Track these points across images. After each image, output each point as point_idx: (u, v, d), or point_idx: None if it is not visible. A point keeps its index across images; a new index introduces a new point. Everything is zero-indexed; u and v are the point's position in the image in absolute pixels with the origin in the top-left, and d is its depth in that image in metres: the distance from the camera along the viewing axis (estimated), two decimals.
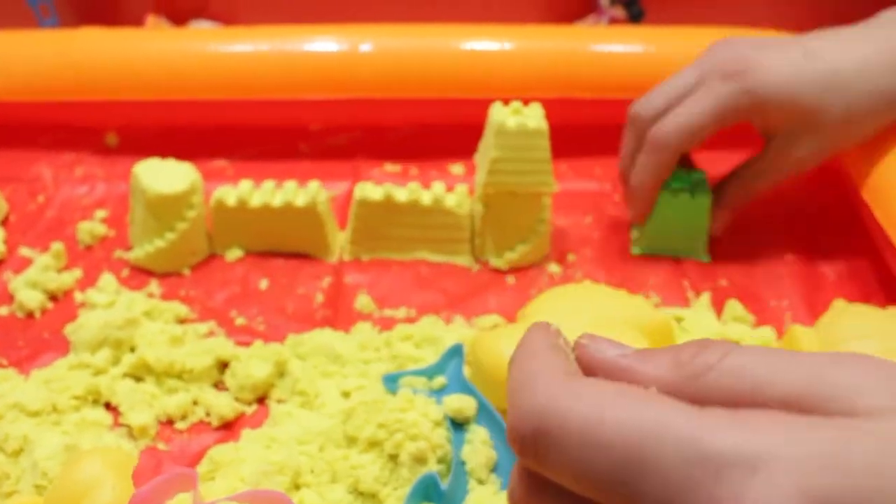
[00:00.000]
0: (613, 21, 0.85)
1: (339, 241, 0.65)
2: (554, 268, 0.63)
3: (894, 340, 0.52)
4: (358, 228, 0.63)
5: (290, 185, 0.62)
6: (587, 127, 0.74)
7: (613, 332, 0.51)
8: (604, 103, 0.72)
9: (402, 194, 0.62)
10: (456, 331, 0.56)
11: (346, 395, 0.52)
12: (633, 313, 0.53)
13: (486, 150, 0.60)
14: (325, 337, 0.55)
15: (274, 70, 0.72)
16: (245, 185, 0.63)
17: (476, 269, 0.63)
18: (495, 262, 0.63)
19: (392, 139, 0.75)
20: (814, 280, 0.63)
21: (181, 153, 0.65)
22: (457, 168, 0.73)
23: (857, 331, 0.54)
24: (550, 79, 0.72)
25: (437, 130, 0.74)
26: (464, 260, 0.64)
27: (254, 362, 0.53)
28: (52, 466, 0.48)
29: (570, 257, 0.64)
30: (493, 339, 0.51)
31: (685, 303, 0.61)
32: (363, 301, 0.60)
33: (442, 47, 0.74)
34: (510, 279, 0.62)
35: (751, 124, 0.61)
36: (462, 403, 0.49)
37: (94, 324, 0.55)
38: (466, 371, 0.52)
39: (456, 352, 0.52)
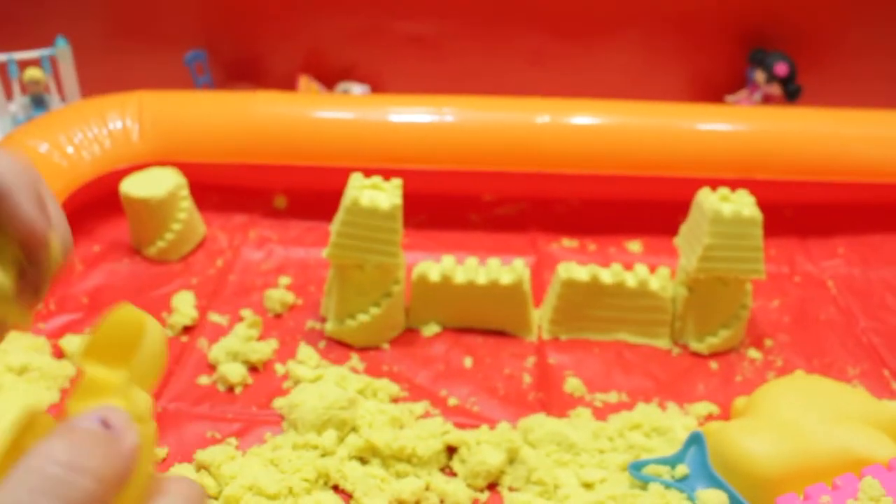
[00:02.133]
0: (767, 98, 0.86)
1: (536, 318, 0.64)
2: (753, 353, 0.63)
3: None
4: (560, 308, 0.62)
5: (494, 262, 0.62)
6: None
7: (856, 428, 0.51)
8: (773, 185, 0.73)
9: (607, 276, 0.61)
10: (676, 419, 0.56)
11: (587, 486, 0.51)
12: (865, 408, 0.53)
13: (696, 236, 0.60)
14: (553, 424, 0.54)
15: (452, 140, 0.72)
16: (448, 260, 0.62)
17: (676, 353, 0.63)
18: (696, 346, 0.63)
19: (561, 212, 0.75)
20: None
21: None
22: (634, 245, 0.73)
23: None
24: (731, 160, 0.72)
25: (607, 205, 0.74)
26: (663, 343, 0.63)
27: (485, 448, 0.53)
28: None
29: (767, 343, 0.64)
30: (741, 436, 0.50)
31: (892, 394, 0.60)
32: (573, 384, 0.59)
33: (615, 123, 0.74)
34: (713, 364, 0.62)
35: None
36: (717, 499, 0.48)
37: (317, 404, 0.54)
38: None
39: (694, 440, 0.52)
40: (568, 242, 0.73)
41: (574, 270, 0.61)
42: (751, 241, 0.59)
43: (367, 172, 0.70)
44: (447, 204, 0.75)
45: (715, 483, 0.50)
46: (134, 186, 0.69)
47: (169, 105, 0.76)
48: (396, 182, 0.60)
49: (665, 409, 0.58)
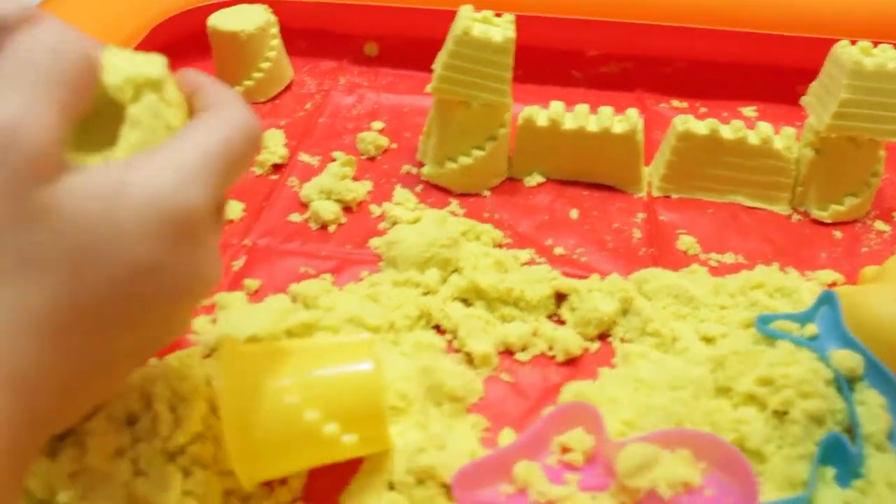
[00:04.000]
0: None
1: (645, 175, 0.60)
2: (881, 225, 0.58)
3: None
4: (674, 163, 0.58)
5: (607, 110, 0.58)
6: None
7: None
8: None
9: (727, 131, 0.57)
10: (800, 283, 0.52)
11: (707, 340, 0.48)
12: None
13: (830, 91, 0.55)
14: (670, 277, 0.51)
15: None
16: (556, 106, 0.58)
17: (796, 219, 0.58)
18: (818, 213, 0.58)
19: (669, 72, 0.70)
20: None
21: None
22: (748, 111, 0.68)
23: None
24: (868, 20, 0.66)
25: (719, 67, 0.69)
26: (781, 208, 0.59)
27: (597, 296, 0.49)
28: (409, 388, 0.44)
29: None
30: (873, 298, 0.46)
31: None
32: (686, 242, 0.55)
33: None
34: (836, 233, 0.58)
35: None
36: (852, 361, 0.44)
37: (418, 241, 0.51)
38: None
39: (826, 300, 0.48)
40: (677, 103, 0.68)
41: (692, 123, 0.57)
42: (892, 98, 0.54)
43: None
44: (548, 58, 0.70)
45: (848, 344, 0.46)
46: (223, 20, 0.65)
47: None
48: (509, 17, 0.56)
49: (786, 273, 0.54)
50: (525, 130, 0.58)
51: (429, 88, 0.56)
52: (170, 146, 0.28)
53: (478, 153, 0.57)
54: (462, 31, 0.54)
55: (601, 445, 0.41)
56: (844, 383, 0.44)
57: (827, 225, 0.58)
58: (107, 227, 0.26)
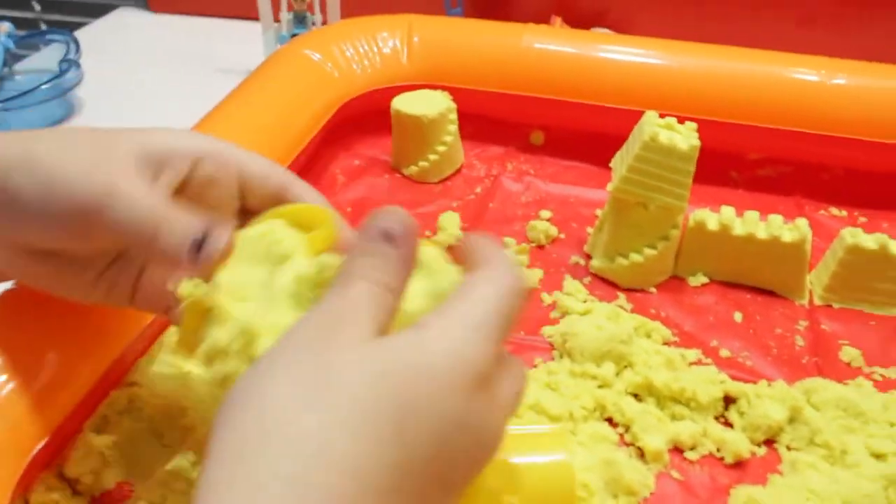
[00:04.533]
0: None
1: (808, 284, 0.62)
2: None
3: None
4: (840, 275, 0.60)
5: (776, 218, 0.60)
6: None
7: None
8: None
9: (894, 247, 0.58)
10: None
11: (878, 456, 0.49)
12: None
13: None
14: (838, 389, 0.53)
15: (723, 91, 0.70)
16: (727, 211, 0.61)
17: None
18: None
19: (826, 179, 0.72)
20: None
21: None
22: None
23: None
24: None
25: (876, 176, 0.71)
26: None
27: (767, 403, 0.51)
28: (591, 479, 0.47)
29: None
30: None
31: None
32: (850, 354, 0.57)
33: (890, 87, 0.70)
34: None
35: None
36: None
37: (596, 334, 0.54)
38: None
39: None
40: (836, 211, 0.70)
41: (861, 237, 0.59)
42: None
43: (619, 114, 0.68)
44: (709, 159, 0.72)
45: None
46: (406, 104, 0.70)
47: (438, 29, 0.77)
48: (691, 125, 0.59)
49: None
50: (695, 233, 0.61)
51: (610, 188, 0.59)
52: (457, 302, 0.30)
53: (649, 252, 0.60)
54: (650, 137, 0.57)
55: None
56: None
57: None
58: (423, 382, 0.27)
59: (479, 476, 0.40)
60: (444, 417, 0.27)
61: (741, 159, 0.73)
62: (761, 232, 0.60)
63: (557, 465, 0.42)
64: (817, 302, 0.61)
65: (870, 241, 0.59)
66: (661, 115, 0.59)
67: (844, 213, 0.70)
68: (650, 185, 0.58)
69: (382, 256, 0.30)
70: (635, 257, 0.60)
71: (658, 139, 0.57)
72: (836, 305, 0.61)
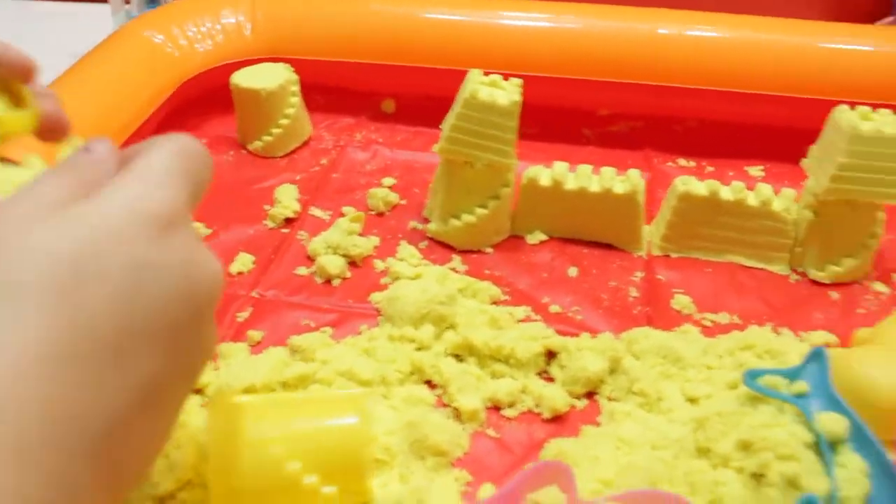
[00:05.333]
0: None
1: (646, 235, 0.61)
2: (880, 287, 0.59)
3: None
4: (674, 223, 0.59)
5: (608, 171, 0.59)
6: None
7: None
8: None
9: (727, 192, 0.58)
10: (791, 345, 0.52)
11: (692, 401, 0.49)
12: None
13: (829, 154, 0.56)
14: (660, 337, 0.52)
15: (569, 48, 0.69)
16: (559, 166, 0.60)
17: (794, 280, 0.59)
18: (816, 274, 0.59)
19: (678, 131, 0.72)
20: None
21: None
22: (755, 171, 0.69)
23: None
24: (871, 84, 0.67)
25: (728, 127, 0.70)
26: (780, 268, 0.60)
27: (587, 355, 0.50)
28: (394, 442, 0.46)
29: (895, 277, 0.60)
30: (860, 361, 0.47)
31: None
32: (681, 301, 0.56)
33: (744, 39, 0.69)
34: (833, 294, 0.58)
35: None
36: (837, 425, 0.45)
37: (417, 297, 0.53)
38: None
39: (815, 357, 0.48)
40: (684, 162, 0.70)
41: (692, 184, 0.58)
42: (891, 162, 0.55)
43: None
44: (560, 117, 0.72)
45: (835, 405, 0.46)
46: (245, 78, 0.68)
47: (282, 1, 0.75)
48: (516, 81, 0.58)
49: (779, 334, 0.54)
50: (528, 190, 0.60)
51: (435, 148, 0.58)
52: (131, 164, 0.30)
53: (481, 211, 0.59)
54: (470, 94, 0.56)
55: None
56: (826, 446, 0.45)
57: (824, 286, 0.59)
58: (102, 238, 0.27)
59: (260, 444, 0.39)
60: (124, 266, 0.27)
61: (592, 116, 0.72)
62: (594, 185, 0.59)
63: (347, 429, 0.41)
64: (655, 252, 0.61)
65: (701, 187, 0.58)
66: (486, 73, 0.58)
67: (693, 163, 0.70)
68: (473, 144, 0.57)
69: (77, 160, 0.31)
70: (468, 218, 0.59)
71: (478, 96, 0.56)
72: (673, 255, 0.60)
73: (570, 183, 0.59)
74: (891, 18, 0.81)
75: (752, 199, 0.58)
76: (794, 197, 0.59)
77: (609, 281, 0.58)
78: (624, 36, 0.69)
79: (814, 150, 0.58)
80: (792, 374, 0.48)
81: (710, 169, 0.69)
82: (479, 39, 0.71)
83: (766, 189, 0.58)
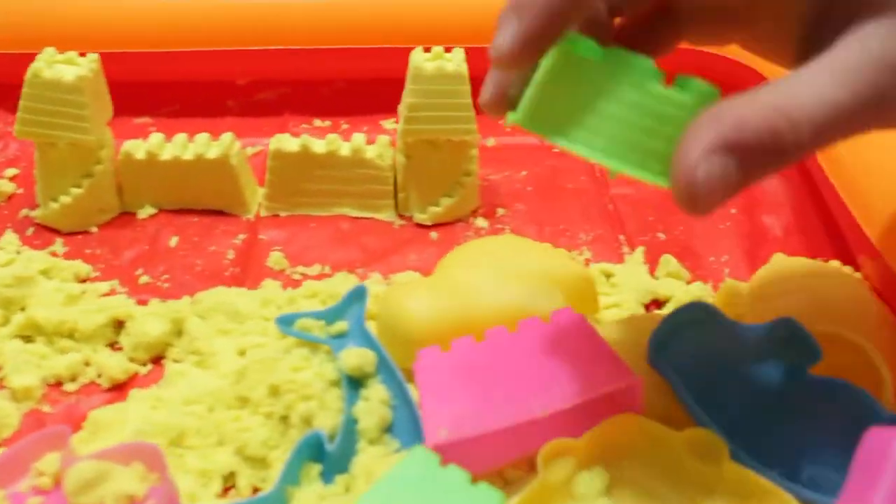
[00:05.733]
0: None
1: (258, 198, 0.61)
2: (481, 222, 0.60)
3: (824, 296, 0.49)
4: (274, 182, 0.59)
5: (203, 137, 0.59)
6: None
7: (527, 284, 0.48)
8: None
9: (319, 146, 0.58)
10: (369, 287, 0.53)
11: (242, 353, 0.49)
12: (549, 266, 0.50)
13: (404, 97, 0.57)
14: (226, 294, 0.52)
15: (195, 20, 0.69)
16: (155, 137, 0.60)
17: (398, 224, 0.60)
18: (419, 216, 0.60)
19: (324, 94, 0.72)
20: (757, 235, 0.60)
21: None
22: (389, 123, 0.69)
23: (788, 285, 0.51)
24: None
25: (369, 84, 0.71)
26: (387, 215, 0.60)
27: (149, 320, 0.50)
28: None
29: (500, 211, 0.61)
30: (402, 294, 0.48)
31: (619, 258, 0.58)
32: (275, 258, 0.57)
33: None
34: (433, 234, 0.59)
35: None
36: (361, 360, 0.45)
37: None
38: (372, 324, 0.48)
39: (358, 295, 0.49)
40: (320, 123, 0.70)
41: (284, 141, 0.59)
42: (457, 98, 0.56)
43: (117, 59, 0.66)
44: (202, 90, 0.71)
45: (366, 341, 0.47)
46: None
47: None
48: (92, 56, 0.57)
49: (366, 278, 0.55)
50: (126, 165, 0.59)
51: (14, 131, 0.57)
52: None
53: (76, 191, 0.58)
54: (31, 73, 0.55)
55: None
56: (348, 382, 0.45)
57: (428, 227, 0.60)
58: None
59: None
60: None
61: (232, 86, 0.72)
62: (188, 153, 0.59)
63: None
64: (263, 213, 0.61)
65: (292, 143, 0.59)
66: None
67: (329, 122, 0.70)
68: (47, 123, 0.56)
69: None
70: (65, 199, 0.58)
71: (40, 74, 0.55)
72: (283, 214, 0.61)
73: (165, 153, 0.59)
74: None
75: (345, 150, 0.58)
76: (390, 143, 0.60)
77: (209, 246, 0.58)
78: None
79: (403, 94, 0.59)
80: (332, 315, 0.49)
81: (345, 126, 0.69)
82: (110, 17, 0.69)
83: (359, 138, 0.59)
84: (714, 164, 0.29)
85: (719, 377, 0.43)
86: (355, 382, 0.46)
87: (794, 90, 0.29)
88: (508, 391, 0.41)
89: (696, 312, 0.44)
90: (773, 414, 0.43)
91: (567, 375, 0.42)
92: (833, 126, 0.29)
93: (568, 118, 0.31)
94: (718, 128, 0.29)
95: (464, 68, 0.55)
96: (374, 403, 0.44)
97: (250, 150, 0.66)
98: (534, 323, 0.45)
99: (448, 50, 0.57)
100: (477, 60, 0.55)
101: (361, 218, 0.60)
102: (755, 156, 0.29)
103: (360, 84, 0.71)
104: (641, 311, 0.53)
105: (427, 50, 0.57)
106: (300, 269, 0.56)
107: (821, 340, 0.43)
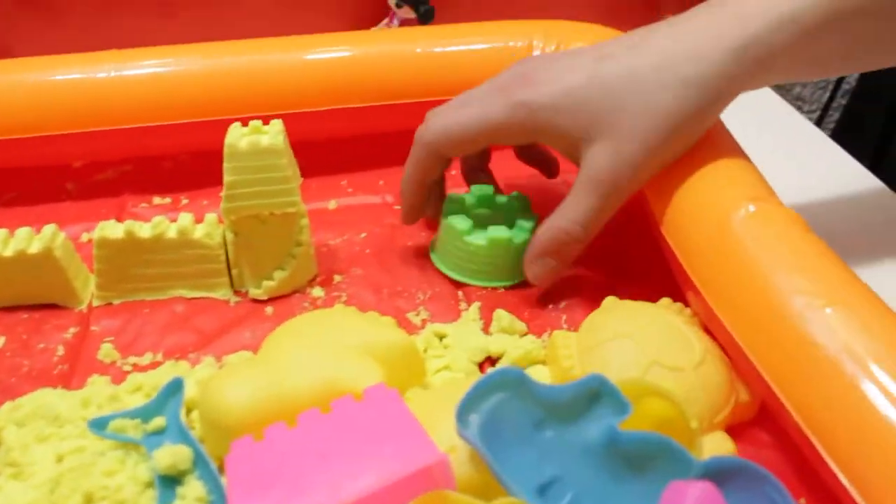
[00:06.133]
0: (405, 23, 0.82)
1: (91, 287, 0.60)
2: (317, 292, 0.60)
3: (651, 339, 0.50)
4: (103, 271, 0.58)
5: (23, 232, 0.58)
6: (371, 137, 0.71)
7: (344, 360, 0.48)
8: (385, 110, 0.69)
9: (145, 230, 0.58)
10: (200, 373, 0.52)
11: (60, 459, 0.48)
12: (370, 339, 0.49)
13: (224, 175, 0.57)
14: (45, 397, 0.51)
15: (24, 104, 0.67)
16: None
17: (234, 302, 0.59)
18: (254, 291, 0.59)
19: (165, 170, 0.71)
20: (596, 279, 0.61)
21: None
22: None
23: (616, 328, 0.51)
24: (329, 90, 0.68)
25: (210, 156, 0.70)
26: (222, 293, 0.60)
27: None
28: None
29: (336, 278, 0.61)
30: (218, 383, 0.47)
31: (456, 316, 0.58)
32: (105, 350, 0.55)
33: (209, 66, 0.69)
34: (269, 309, 0.59)
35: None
36: (174, 458, 0.45)
37: None
38: (187, 416, 0.48)
39: (174, 389, 0.48)
40: (159, 200, 0.69)
41: (108, 228, 0.58)
42: (275, 172, 0.56)
43: None
44: (39, 175, 0.70)
45: (182, 436, 0.46)
46: None
47: None
48: (277, 122, 0.57)
49: (198, 363, 0.54)
50: None
51: None
52: None
53: None
54: None
55: None
56: (161, 482, 0.45)
57: (263, 302, 0.59)
58: None
59: None
60: None
61: (70, 169, 0.71)
62: (8, 250, 0.57)
63: None
64: (96, 303, 0.60)
65: (117, 230, 0.58)
66: None
67: (169, 199, 0.69)
68: None
69: None
70: None
71: None
72: (116, 301, 0.60)
73: None
74: (384, 21, 0.83)
75: (171, 232, 0.58)
76: (217, 220, 0.59)
77: (38, 344, 0.57)
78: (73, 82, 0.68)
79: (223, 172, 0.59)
80: (147, 412, 0.48)
81: (185, 201, 0.69)
82: None
83: (185, 218, 0.59)
84: (538, 264, 0.57)
85: (535, 443, 0.44)
86: (172, 480, 0.45)
87: (564, 211, 0.55)
88: (319, 478, 0.41)
89: (502, 378, 0.44)
90: (596, 474, 0.43)
91: (377, 456, 0.41)
92: (596, 218, 0.55)
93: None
94: (534, 244, 0.57)
95: (279, 140, 0.55)
96: (189, 502, 0.44)
97: (86, 237, 0.65)
98: (346, 402, 0.44)
99: (266, 122, 0.57)
100: (298, 125, 0.56)
101: (197, 298, 0.59)
102: (555, 254, 0.56)
103: (201, 156, 0.71)
104: (475, 370, 0.53)
105: (245, 124, 0.57)
106: (132, 359, 0.55)
107: (634, 391, 0.43)
